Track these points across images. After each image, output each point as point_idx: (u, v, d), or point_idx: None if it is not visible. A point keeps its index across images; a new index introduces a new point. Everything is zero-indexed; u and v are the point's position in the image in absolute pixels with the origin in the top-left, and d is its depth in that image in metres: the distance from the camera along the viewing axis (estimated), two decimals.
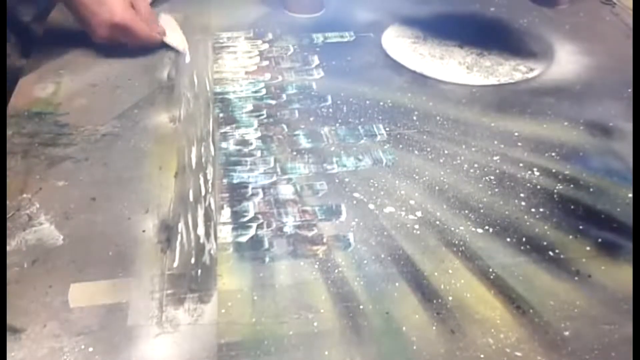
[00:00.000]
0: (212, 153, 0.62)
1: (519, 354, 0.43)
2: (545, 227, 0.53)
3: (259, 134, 0.65)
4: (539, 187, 0.58)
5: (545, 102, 0.70)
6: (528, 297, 0.47)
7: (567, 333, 0.44)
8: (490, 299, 0.47)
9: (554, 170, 0.59)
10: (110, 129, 0.65)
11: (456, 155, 0.62)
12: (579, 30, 0.85)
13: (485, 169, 0.60)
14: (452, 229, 0.53)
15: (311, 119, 0.67)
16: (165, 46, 0.74)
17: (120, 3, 0.66)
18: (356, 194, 0.57)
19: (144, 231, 0.53)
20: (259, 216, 0.54)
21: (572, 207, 0.55)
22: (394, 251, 0.51)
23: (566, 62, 0.78)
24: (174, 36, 0.76)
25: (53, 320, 0.45)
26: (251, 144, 0.64)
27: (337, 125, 0.66)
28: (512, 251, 0.51)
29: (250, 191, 0.57)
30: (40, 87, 0.71)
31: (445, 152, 0.62)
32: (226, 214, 0.55)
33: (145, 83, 0.72)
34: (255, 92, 0.72)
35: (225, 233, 0.53)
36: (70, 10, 0.67)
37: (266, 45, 0.82)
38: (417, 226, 0.53)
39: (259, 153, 0.62)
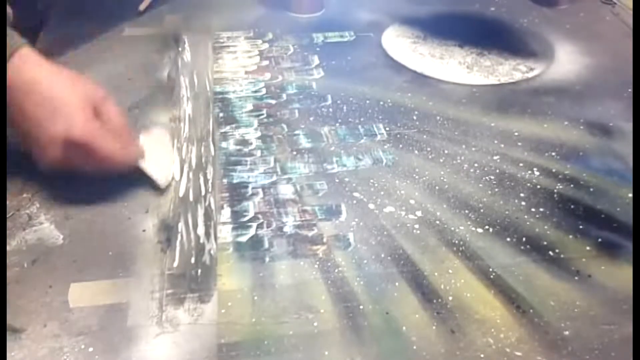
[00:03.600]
0: (212, 153, 0.62)
1: (519, 353, 0.43)
2: (545, 227, 0.53)
3: (259, 133, 0.65)
4: (539, 187, 0.58)
5: (545, 102, 0.70)
6: (528, 297, 0.47)
7: (567, 333, 0.44)
8: (490, 299, 0.47)
9: (554, 170, 0.59)
10: None
11: (456, 155, 0.62)
12: (579, 30, 0.85)
13: (485, 169, 0.60)
14: (452, 228, 0.53)
15: (311, 118, 0.67)
16: (140, 171, 0.54)
17: (82, 113, 0.46)
18: (356, 194, 0.57)
19: (144, 231, 0.52)
20: (259, 216, 0.54)
21: (572, 207, 0.55)
22: (394, 251, 0.51)
23: (566, 62, 0.78)
24: (156, 162, 0.55)
25: (53, 320, 0.45)
26: (251, 143, 0.64)
27: (337, 125, 0.66)
28: (512, 251, 0.51)
29: (250, 191, 0.57)
30: None
31: (445, 152, 0.62)
32: (226, 213, 0.55)
33: (145, 83, 0.72)
34: (255, 91, 0.72)
35: (225, 233, 0.53)
36: (13, 126, 0.48)
37: (266, 45, 0.82)
38: (417, 226, 0.53)
39: (259, 153, 0.62)
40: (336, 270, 0.49)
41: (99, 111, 0.49)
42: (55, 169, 0.50)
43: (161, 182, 0.54)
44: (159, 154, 0.56)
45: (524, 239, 0.52)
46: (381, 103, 0.70)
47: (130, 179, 0.58)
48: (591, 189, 0.57)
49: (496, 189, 0.57)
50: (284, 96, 0.71)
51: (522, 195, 0.56)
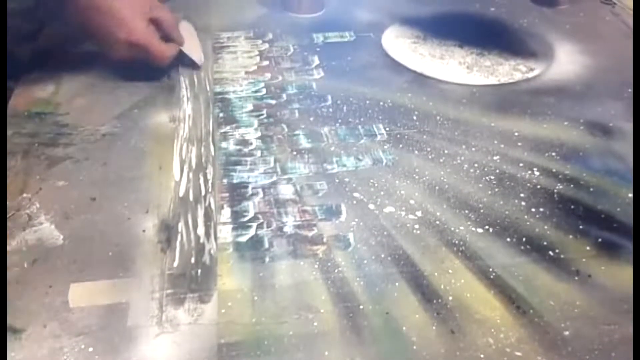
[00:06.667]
0: (212, 153, 0.62)
1: (519, 353, 0.43)
2: (545, 227, 0.53)
3: (259, 133, 0.65)
4: (539, 187, 0.58)
5: (545, 102, 0.70)
6: (528, 297, 0.47)
7: (567, 333, 0.44)
8: (490, 299, 0.47)
9: (554, 170, 0.59)
10: (110, 129, 0.65)
11: (456, 155, 0.62)
12: (579, 30, 0.85)
13: (485, 169, 0.60)
14: (452, 228, 0.53)
15: (311, 118, 0.67)
16: (181, 57, 0.72)
17: (139, 22, 0.63)
18: (356, 194, 0.57)
19: (144, 231, 0.52)
20: (259, 216, 0.54)
21: (572, 207, 0.55)
22: (394, 251, 0.51)
23: (566, 62, 0.78)
24: (190, 47, 0.73)
25: (53, 320, 0.45)
26: (251, 143, 0.64)
27: (337, 125, 0.66)
28: (512, 251, 0.51)
29: (250, 191, 0.57)
30: (40, 87, 0.71)
31: (445, 152, 0.62)
32: (226, 213, 0.55)
33: (145, 83, 0.72)
34: (255, 92, 0.72)
35: (225, 233, 0.53)
36: (87, 31, 0.65)
37: (266, 45, 0.82)
38: (417, 226, 0.53)
39: (259, 153, 0.62)
40: (336, 270, 0.49)
41: (154, 18, 0.65)
42: (122, 61, 0.67)
43: (199, 62, 0.73)
44: (191, 41, 0.74)
45: (524, 239, 0.52)
46: (381, 103, 0.70)
47: (131, 179, 0.58)
48: (591, 189, 0.57)
49: (496, 189, 0.57)
50: (284, 96, 0.71)
51: (522, 195, 0.56)
